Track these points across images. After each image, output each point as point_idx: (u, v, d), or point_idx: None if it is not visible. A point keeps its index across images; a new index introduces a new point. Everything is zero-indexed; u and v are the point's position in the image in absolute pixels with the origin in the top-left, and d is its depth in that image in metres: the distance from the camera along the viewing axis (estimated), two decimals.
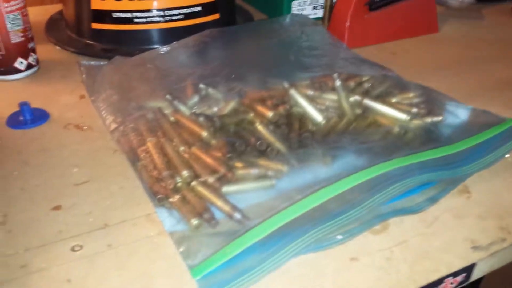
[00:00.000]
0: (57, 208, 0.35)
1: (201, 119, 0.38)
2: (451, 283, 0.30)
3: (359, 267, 0.30)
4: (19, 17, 0.50)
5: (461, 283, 0.31)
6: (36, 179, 0.38)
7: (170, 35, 0.57)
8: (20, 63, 0.51)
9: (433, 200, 0.35)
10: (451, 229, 0.33)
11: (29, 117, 0.45)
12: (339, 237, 0.31)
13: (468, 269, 0.31)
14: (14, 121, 0.45)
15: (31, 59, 0.53)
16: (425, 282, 0.29)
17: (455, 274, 0.30)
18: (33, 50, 0.53)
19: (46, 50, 0.59)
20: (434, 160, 0.36)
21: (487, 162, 0.38)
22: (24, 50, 0.51)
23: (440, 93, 0.47)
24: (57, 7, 0.70)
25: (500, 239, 0.32)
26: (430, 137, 0.41)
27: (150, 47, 0.57)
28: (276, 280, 0.29)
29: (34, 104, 0.46)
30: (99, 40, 0.58)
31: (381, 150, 0.38)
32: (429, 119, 0.42)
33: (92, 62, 0.51)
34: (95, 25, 0.57)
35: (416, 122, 0.42)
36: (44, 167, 0.39)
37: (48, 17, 0.66)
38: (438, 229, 0.33)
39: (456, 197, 0.36)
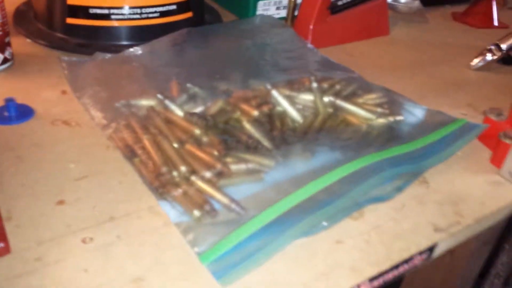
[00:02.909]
0: (61, 202, 0.36)
1: (195, 118, 0.41)
2: (418, 260, 0.36)
3: (345, 249, 0.35)
4: None
5: (425, 260, 0.37)
6: (34, 174, 0.39)
7: (146, 32, 0.59)
8: None
9: (399, 189, 0.41)
10: (416, 214, 0.39)
11: (14, 113, 0.45)
12: (325, 223, 0.36)
13: (431, 248, 0.37)
14: None
15: (7, 53, 0.52)
16: (399, 259, 0.34)
17: (421, 253, 0.36)
18: (9, 44, 0.53)
19: (17, 43, 0.58)
20: (401, 156, 0.42)
21: (442, 157, 0.44)
22: (2, 44, 0.51)
23: (399, 95, 0.53)
24: None
25: (456, 222, 0.38)
26: (393, 134, 0.47)
27: (126, 43, 0.58)
28: (276, 262, 0.33)
29: (16, 100, 0.47)
30: (73, 34, 0.59)
31: (354, 146, 0.44)
32: (392, 118, 0.48)
33: (74, 58, 0.52)
34: (70, 20, 0.57)
35: (381, 121, 0.48)
36: (40, 163, 0.40)
37: (14, 8, 0.65)
38: (405, 214, 0.39)
39: (417, 186, 0.42)
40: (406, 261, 0.35)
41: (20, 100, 0.48)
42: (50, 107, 0.48)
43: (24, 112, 0.46)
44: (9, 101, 0.45)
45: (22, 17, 0.63)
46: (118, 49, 0.56)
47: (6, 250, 0.32)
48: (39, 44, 0.59)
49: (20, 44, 0.59)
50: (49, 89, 0.51)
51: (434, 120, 0.48)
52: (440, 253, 0.38)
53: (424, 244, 0.36)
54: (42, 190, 0.38)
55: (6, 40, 0.52)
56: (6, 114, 0.45)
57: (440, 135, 0.46)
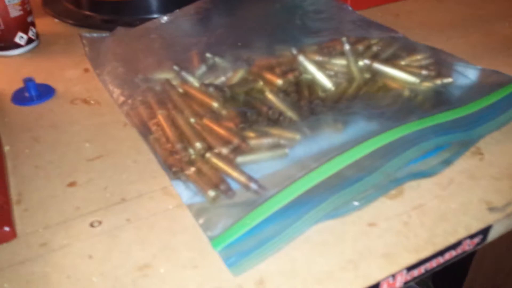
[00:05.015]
0: (73, 184, 0.35)
1: (211, 89, 0.38)
2: (468, 245, 0.31)
3: (378, 232, 0.30)
4: None
5: (477, 244, 0.32)
6: (48, 156, 0.37)
7: (169, 4, 0.56)
8: (20, 38, 0.50)
9: (447, 162, 0.35)
10: (466, 190, 0.33)
11: (34, 93, 0.44)
12: (356, 203, 0.32)
13: (485, 231, 0.31)
14: (20, 98, 0.44)
15: (31, 33, 0.51)
16: (444, 244, 0.29)
17: (472, 236, 0.31)
18: (33, 24, 0.52)
19: (45, 23, 0.57)
20: (448, 123, 0.36)
21: (499, 123, 0.38)
22: (24, 24, 0.50)
23: (448, 54, 0.46)
24: None
25: None
26: (440, 99, 0.41)
27: (150, 17, 0.56)
28: (297, 248, 0.29)
29: (38, 80, 0.46)
30: (99, 11, 0.57)
31: (392, 114, 0.38)
32: (439, 81, 0.42)
33: (94, 34, 0.50)
34: None
35: (426, 85, 0.42)
36: (56, 143, 0.39)
37: None
38: (453, 191, 0.33)
39: (469, 159, 0.36)
40: (453, 247, 0.30)
41: (43, 79, 0.47)
42: (71, 86, 0.46)
43: (44, 92, 0.45)
44: (28, 81, 0.44)
45: None
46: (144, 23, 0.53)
47: (12, 235, 0.30)
48: (66, 23, 0.57)
49: (47, 24, 0.58)
50: (72, 67, 0.49)
51: (489, 81, 0.42)
52: (497, 236, 0.33)
53: (476, 226, 0.31)
54: (55, 172, 0.36)
55: (29, 19, 0.51)
56: (26, 94, 0.44)
57: (496, 98, 0.39)
